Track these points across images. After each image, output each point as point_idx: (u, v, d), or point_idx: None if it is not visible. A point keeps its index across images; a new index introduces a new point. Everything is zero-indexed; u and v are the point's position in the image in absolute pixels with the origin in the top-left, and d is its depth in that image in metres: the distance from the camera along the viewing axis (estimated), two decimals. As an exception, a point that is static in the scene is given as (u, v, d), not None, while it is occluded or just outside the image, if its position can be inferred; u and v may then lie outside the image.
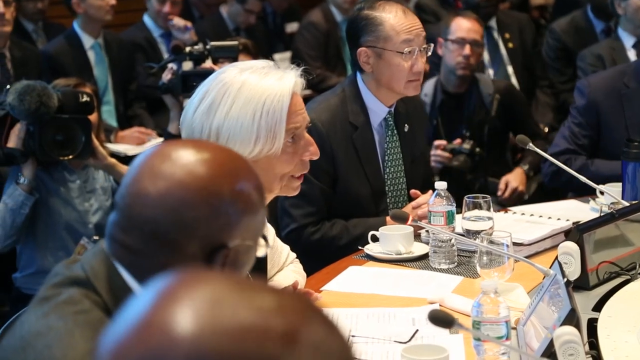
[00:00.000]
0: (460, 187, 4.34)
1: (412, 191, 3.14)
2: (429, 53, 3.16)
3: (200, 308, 0.91)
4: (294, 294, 0.97)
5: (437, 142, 4.53)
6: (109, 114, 5.53)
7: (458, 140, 4.53)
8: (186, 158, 1.43)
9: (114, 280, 1.46)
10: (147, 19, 6.14)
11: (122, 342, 0.91)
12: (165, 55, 5.90)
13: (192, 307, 0.91)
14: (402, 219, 2.61)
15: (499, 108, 4.64)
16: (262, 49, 5.89)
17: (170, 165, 1.43)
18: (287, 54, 6.75)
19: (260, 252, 1.51)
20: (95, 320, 1.42)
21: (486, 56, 5.53)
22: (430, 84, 4.73)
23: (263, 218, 1.49)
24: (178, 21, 5.92)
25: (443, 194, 2.80)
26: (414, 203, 3.10)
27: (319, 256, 2.94)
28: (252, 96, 2.13)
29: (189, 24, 5.93)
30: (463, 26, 4.61)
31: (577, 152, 3.81)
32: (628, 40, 5.11)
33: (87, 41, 5.63)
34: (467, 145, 4.49)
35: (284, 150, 2.19)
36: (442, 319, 1.81)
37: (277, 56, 6.63)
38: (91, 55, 5.63)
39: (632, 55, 5.06)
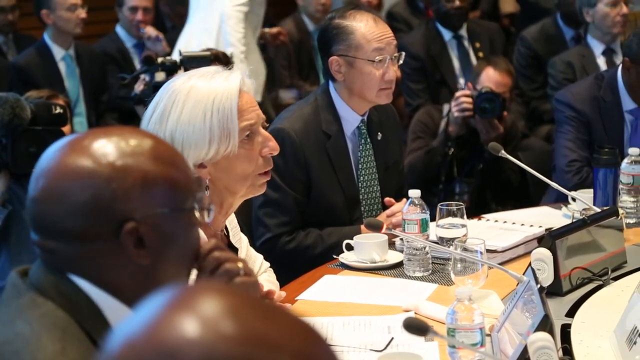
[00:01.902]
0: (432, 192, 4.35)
1: (386, 199, 3.16)
2: (400, 61, 3.17)
3: (216, 314, 0.93)
4: (306, 318, 0.99)
5: (458, 93, 4.51)
6: (80, 125, 5.52)
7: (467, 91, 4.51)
8: (63, 152, 1.46)
9: (63, 284, 1.45)
10: (119, 29, 6.14)
11: (134, 338, 0.93)
12: (138, 66, 5.90)
13: (208, 312, 0.93)
14: (376, 228, 2.62)
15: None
16: (229, 57, 5.88)
17: (50, 162, 1.46)
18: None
19: (206, 218, 1.52)
20: (62, 319, 1.41)
21: (457, 65, 5.56)
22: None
23: (173, 185, 1.46)
24: (150, 31, 5.91)
25: (417, 202, 2.80)
26: (388, 211, 3.11)
27: (294, 265, 2.95)
28: (201, 98, 2.17)
29: (160, 35, 5.93)
30: (492, 78, 4.59)
31: (584, 162, 3.79)
32: (597, 48, 5.16)
33: (58, 53, 5.61)
34: (487, 89, 4.43)
35: (241, 148, 2.22)
36: (417, 327, 1.82)
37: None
38: (62, 66, 5.61)
39: (601, 62, 5.11)
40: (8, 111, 3.26)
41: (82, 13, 5.61)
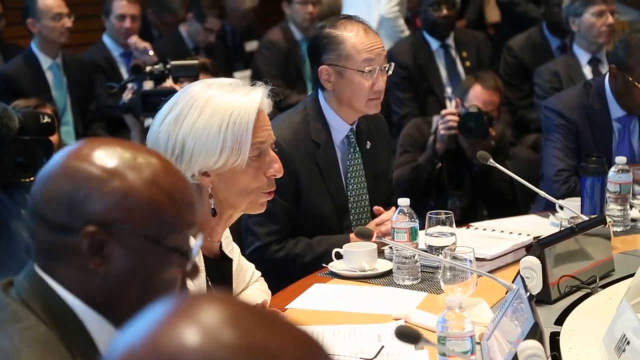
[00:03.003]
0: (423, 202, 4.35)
1: (375, 208, 3.16)
2: (390, 72, 3.18)
3: (217, 323, 0.94)
4: (305, 328, 0.99)
5: (445, 111, 4.51)
6: (67, 134, 5.50)
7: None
8: (76, 146, 1.50)
9: (48, 296, 1.46)
10: (106, 38, 6.13)
11: (134, 346, 0.94)
12: (125, 75, 5.90)
13: (209, 321, 0.94)
14: (366, 236, 2.63)
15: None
16: (221, 68, 5.90)
17: (60, 154, 1.49)
18: (247, 73, 6.76)
19: (194, 243, 1.51)
20: (43, 334, 1.41)
21: (444, 74, 5.58)
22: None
23: (157, 212, 1.44)
24: (137, 42, 5.90)
25: (406, 211, 2.81)
26: (377, 220, 3.12)
27: (283, 274, 2.95)
28: (219, 108, 2.18)
29: (148, 46, 5.92)
30: (479, 97, 4.59)
31: (572, 172, 3.80)
32: (583, 57, 5.19)
33: (45, 62, 5.60)
34: (473, 109, 4.41)
35: (248, 164, 2.23)
36: (408, 335, 1.82)
37: (237, 75, 6.63)
38: (49, 75, 5.60)
39: (587, 71, 5.14)
40: None
41: (67, 22, 5.60)
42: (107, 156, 1.46)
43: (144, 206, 1.44)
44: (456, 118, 4.41)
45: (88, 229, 1.42)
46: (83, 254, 1.43)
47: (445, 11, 5.56)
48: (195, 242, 1.52)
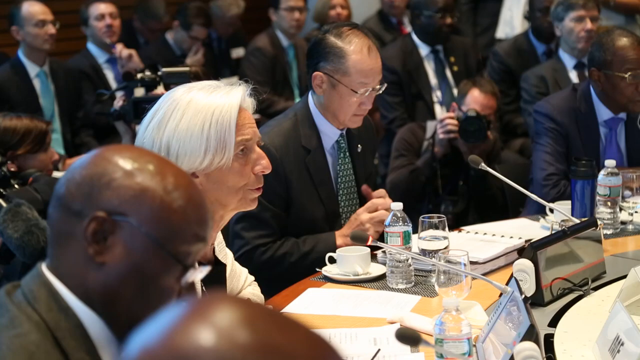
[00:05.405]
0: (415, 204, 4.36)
1: (364, 187, 3.18)
2: (381, 91, 3.18)
3: (231, 323, 0.95)
4: (319, 331, 1.01)
5: (444, 115, 4.52)
6: (56, 142, 5.48)
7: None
8: (104, 147, 1.56)
9: (55, 300, 1.47)
10: (91, 46, 6.12)
11: (151, 345, 0.95)
12: (112, 82, 5.90)
13: (223, 322, 0.95)
14: (362, 240, 2.63)
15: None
16: (208, 75, 5.89)
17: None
18: (234, 80, 6.76)
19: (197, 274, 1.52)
20: (32, 344, 1.42)
21: (433, 79, 5.60)
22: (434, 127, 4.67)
23: (166, 217, 1.47)
24: (122, 50, 5.89)
25: (399, 215, 2.82)
26: (369, 205, 3.11)
27: (273, 276, 2.96)
28: (201, 109, 2.19)
29: (133, 53, 5.90)
30: (477, 100, 4.62)
31: (561, 175, 3.82)
32: (569, 62, 5.23)
33: (32, 70, 5.59)
34: (472, 112, 4.43)
35: (235, 162, 2.24)
36: (409, 337, 1.84)
37: (223, 81, 6.63)
38: (37, 83, 5.59)
39: (573, 76, 5.18)
40: None
41: (51, 29, 5.58)
42: (138, 158, 1.50)
43: (156, 208, 1.47)
44: (455, 122, 4.44)
45: (98, 214, 1.45)
46: (87, 240, 1.46)
47: (449, 19, 5.58)
48: (199, 269, 1.54)
